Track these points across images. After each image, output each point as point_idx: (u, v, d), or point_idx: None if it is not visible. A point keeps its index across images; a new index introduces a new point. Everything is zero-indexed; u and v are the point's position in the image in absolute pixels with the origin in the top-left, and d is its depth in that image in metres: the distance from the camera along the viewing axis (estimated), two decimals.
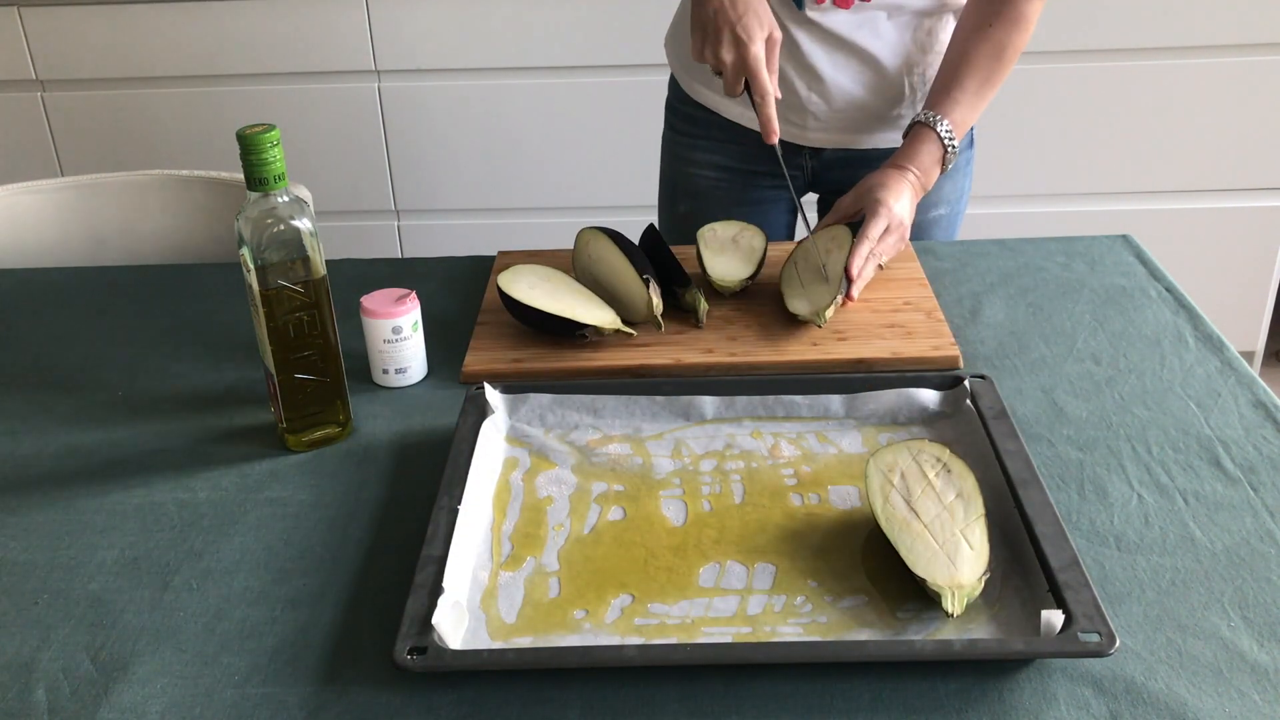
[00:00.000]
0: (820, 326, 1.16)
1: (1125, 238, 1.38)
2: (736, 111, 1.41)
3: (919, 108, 1.36)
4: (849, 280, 1.17)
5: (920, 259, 1.31)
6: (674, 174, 1.51)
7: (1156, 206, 2.40)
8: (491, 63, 2.32)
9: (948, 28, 1.34)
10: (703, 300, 1.18)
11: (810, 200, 1.51)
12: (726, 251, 1.26)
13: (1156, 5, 2.21)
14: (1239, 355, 1.13)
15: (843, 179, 1.38)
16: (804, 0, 1.28)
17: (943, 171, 1.28)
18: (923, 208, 1.42)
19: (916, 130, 1.27)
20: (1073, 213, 2.40)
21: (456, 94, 2.35)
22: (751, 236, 1.28)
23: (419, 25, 2.28)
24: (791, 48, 1.32)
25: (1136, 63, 2.27)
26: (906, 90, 1.36)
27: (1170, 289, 1.26)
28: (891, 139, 1.39)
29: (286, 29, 2.29)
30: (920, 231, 1.44)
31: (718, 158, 1.45)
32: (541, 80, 2.32)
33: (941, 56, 1.34)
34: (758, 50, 1.14)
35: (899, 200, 1.22)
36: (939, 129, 1.25)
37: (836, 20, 1.29)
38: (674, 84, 1.49)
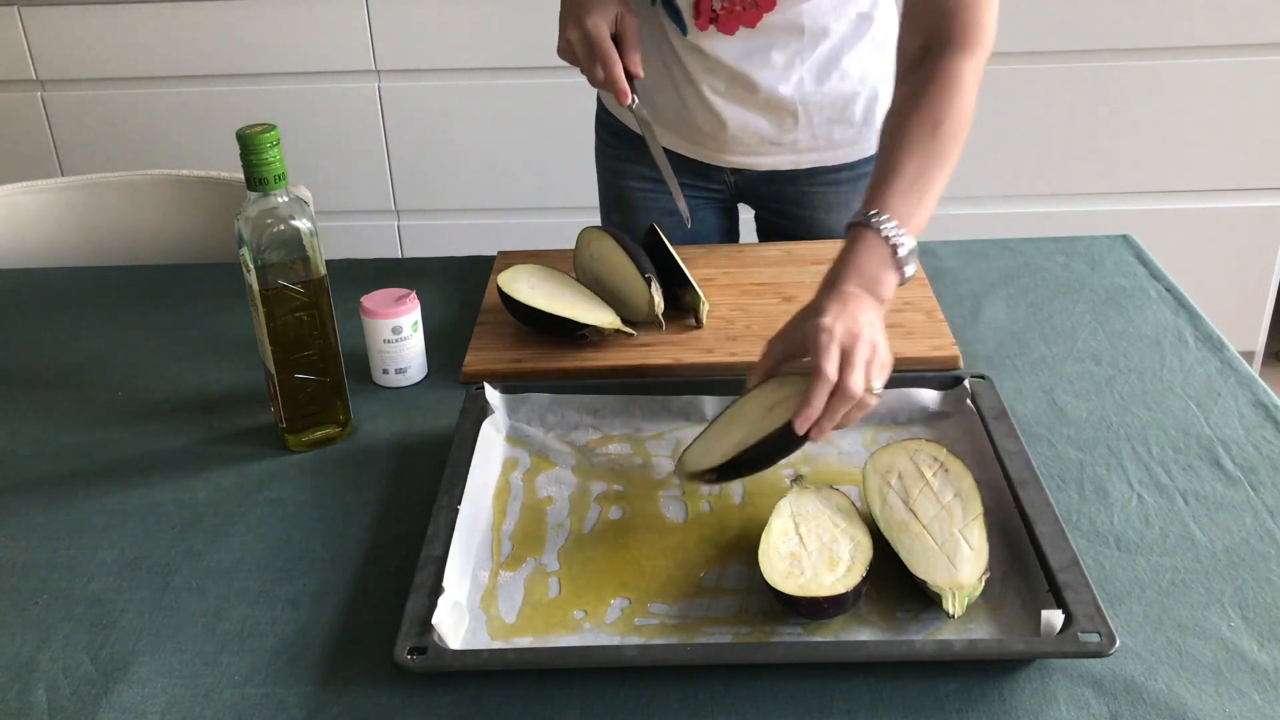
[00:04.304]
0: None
1: (1125, 238, 1.38)
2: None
3: (815, 133, 1.32)
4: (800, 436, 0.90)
5: (920, 259, 1.31)
6: (606, 186, 1.50)
7: (1156, 206, 2.40)
8: (491, 63, 2.31)
9: (849, 55, 1.28)
10: (703, 300, 1.18)
11: (748, 219, 1.50)
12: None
13: (1156, 5, 2.21)
14: (1239, 355, 1.13)
15: (768, 194, 1.40)
16: (686, 26, 1.26)
17: (902, 280, 0.99)
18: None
19: (851, 233, 1.00)
20: (1073, 213, 2.40)
21: (456, 94, 2.34)
22: None
23: (419, 25, 2.28)
24: (684, 74, 1.30)
25: (1136, 63, 2.26)
26: (802, 117, 1.31)
27: (1170, 289, 1.26)
28: (790, 160, 1.35)
29: (286, 29, 2.29)
30: None
31: (643, 168, 1.43)
32: (542, 80, 2.32)
33: (843, 85, 1.29)
34: (595, 20, 1.15)
35: (840, 318, 0.92)
36: (878, 226, 0.98)
37: (723, 48, 1.26)
38: (599, 98, 1.49)
